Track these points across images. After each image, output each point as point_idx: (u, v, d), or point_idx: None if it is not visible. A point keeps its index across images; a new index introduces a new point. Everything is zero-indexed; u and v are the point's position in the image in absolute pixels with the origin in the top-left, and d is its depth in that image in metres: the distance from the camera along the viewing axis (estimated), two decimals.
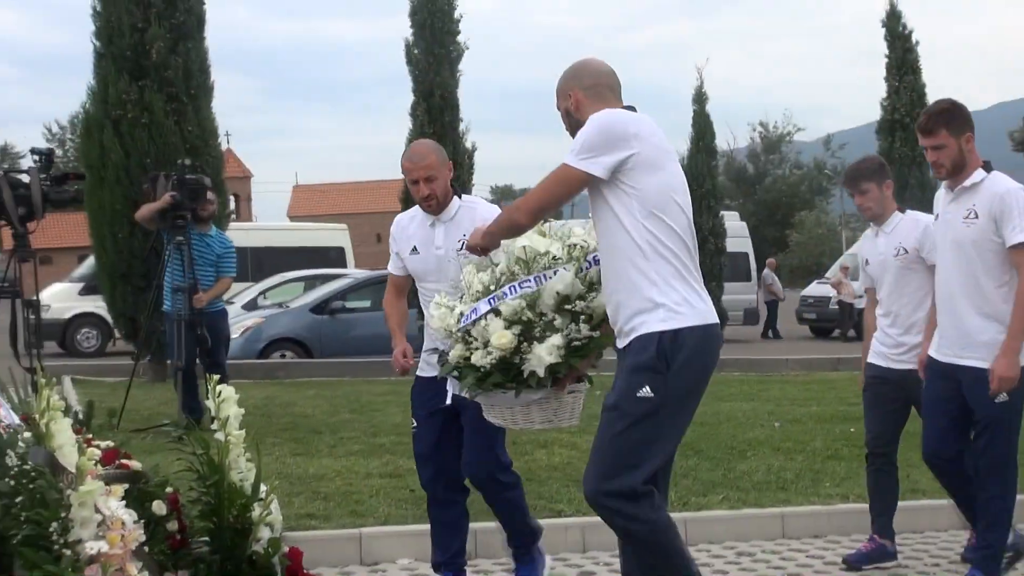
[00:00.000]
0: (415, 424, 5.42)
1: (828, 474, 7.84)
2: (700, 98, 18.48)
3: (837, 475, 7.78)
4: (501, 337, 4.23)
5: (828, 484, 7.54)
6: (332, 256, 26.10)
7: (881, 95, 17.79)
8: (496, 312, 4.30)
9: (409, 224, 5.37)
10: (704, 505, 6.97)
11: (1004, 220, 5.14)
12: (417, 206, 5.34)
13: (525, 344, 4.24)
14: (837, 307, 26.65)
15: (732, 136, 74.95)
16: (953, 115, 5.30)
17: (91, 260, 18.40)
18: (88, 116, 14.88)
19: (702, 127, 18.52)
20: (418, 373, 5.39)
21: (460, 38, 17.49)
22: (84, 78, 14.75)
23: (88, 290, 21.79)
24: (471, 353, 4.35)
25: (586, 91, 4.31)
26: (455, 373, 4.49)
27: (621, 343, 4.10)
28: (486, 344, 4.31)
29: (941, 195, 5.56)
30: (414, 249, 5.27)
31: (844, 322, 26.40)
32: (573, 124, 4.30)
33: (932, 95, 17.99)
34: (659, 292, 3.95)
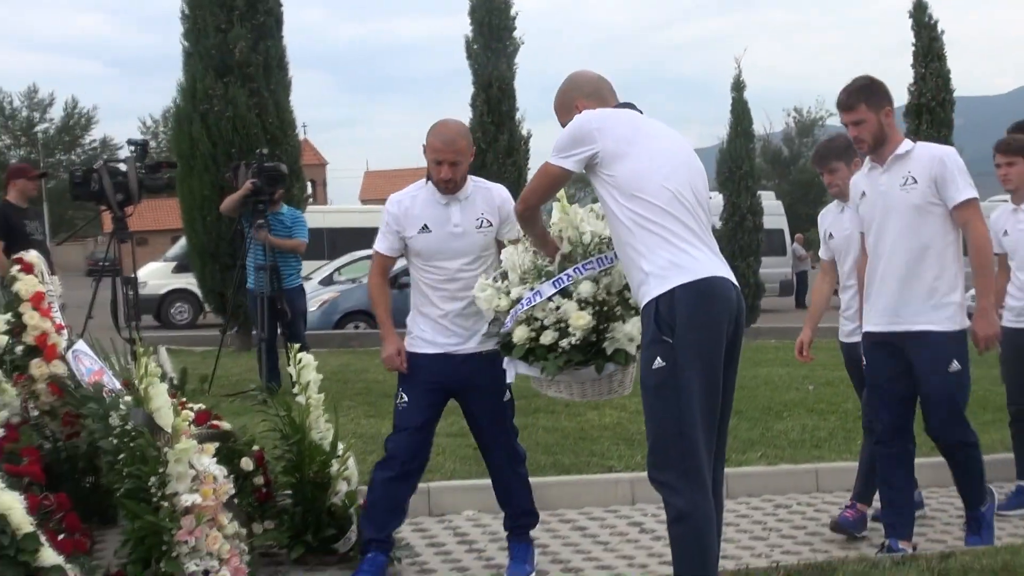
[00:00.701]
0: (406, 399, 4.97)
1: (859, 433, 7.73)
2: (738, 86, 18.20)
3: (841, 434, 7.74)
4: (580, 318, 4.20)
5: (859, 442, 7.45)
6: None
7: (908, 81, 17.52)
8: (564, 294, 4.25)
9: (412, 204, 5.00)
10: (744, 461, 6.95)
11: (946, 181, 4.90)
12: (411, 187, 5.11)
13: (604, 324, 4.25)
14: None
15: (768, 121, 74.25)
16: (872, 90, 5.02)
17: (183, 241, 18.59)
18: (178, 110, 15.00)
19: (740, 113, 18.26)
20: (414, 350, 5.01)
21: (516, 34, 17.39)
22: (174, 76, 14.85)
23: (180, 268, 22.01)
24: (537, 334, 4.28)
25: (588, 98, 4.35)
26: (520, 356, 4.37)
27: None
28: (558, 325, 4.25)
29: (863, 174, 5.27)
30: (424, 228, 4.93)
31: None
32: None
33: (956, 80, 17.83)
34: (647, 262, 3.91)
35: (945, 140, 17.35)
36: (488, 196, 5.03)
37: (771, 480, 6.58)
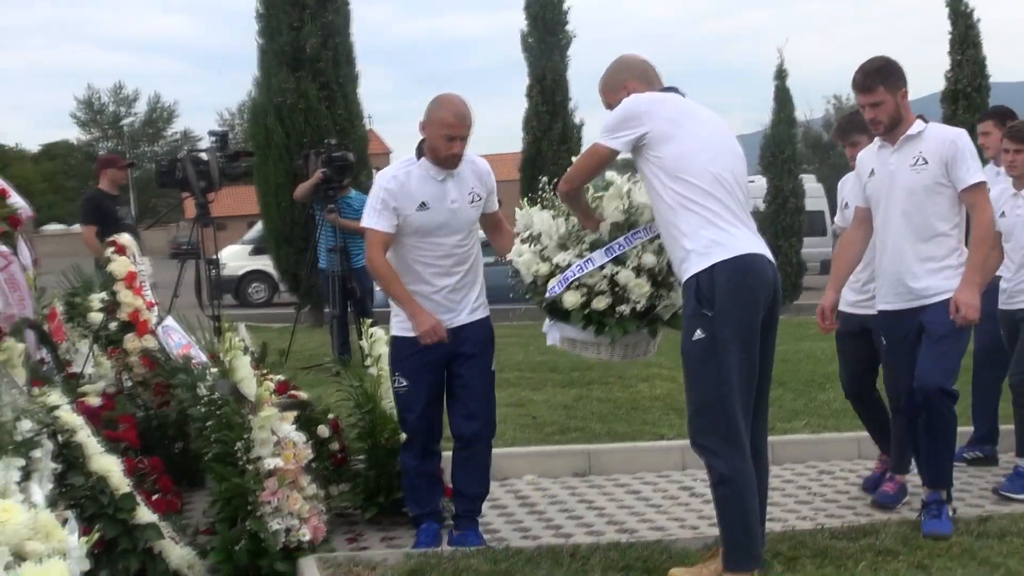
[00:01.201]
0: (405, 384, 4.75)
1: None
2: (781, 75, 18.04)
3: None
4: (641, 286, 4.20)
5: None
6: None
7: (944, 68, 17.22)
8: (618, 261, 4.21)
9: (408, 181, 4.66)
10: (789, 430, 6.91)
11: (956, 163, 4.69)
12: (402, 164, 4.78)
13: (660, 291, 4.27)
14: None
15: (809, 108, 73.40)
16: (889, 72, 4.75)
17: (259, 225, 18.78)
18: (255, 103, 15.16)
19: (783, 100, 18.09)
20: (402, 334, 4.76)
21: (568, 28, 17.35)
22: (248, 71, 15.14)
23: (257, 251, 22.21)
24: (587, 299, 4.23)
25: (637, 79, 4.30)
26: (577, 320, 4.30)
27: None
28: (614, 290, 4.22)
29: (872, 152, 4.99)
30: (422, 205, 4.62)
31: None
32: None
33: (991, 67, 17.47)
34: (689, 240, 3.92)
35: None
36: (476, 169, 4.84)
37: (815, 447, 6.54)
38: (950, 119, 17.39)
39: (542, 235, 4.43)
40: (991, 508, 5.32)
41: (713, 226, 3.92)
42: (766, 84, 18.45)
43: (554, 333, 4.39)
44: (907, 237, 4.79)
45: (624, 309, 4.22)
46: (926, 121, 4.86)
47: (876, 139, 4.97)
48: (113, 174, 9.74)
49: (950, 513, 4.75)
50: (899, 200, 4.79)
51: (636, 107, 4.08)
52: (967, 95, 17.13)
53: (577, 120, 17.62)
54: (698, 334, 3.86)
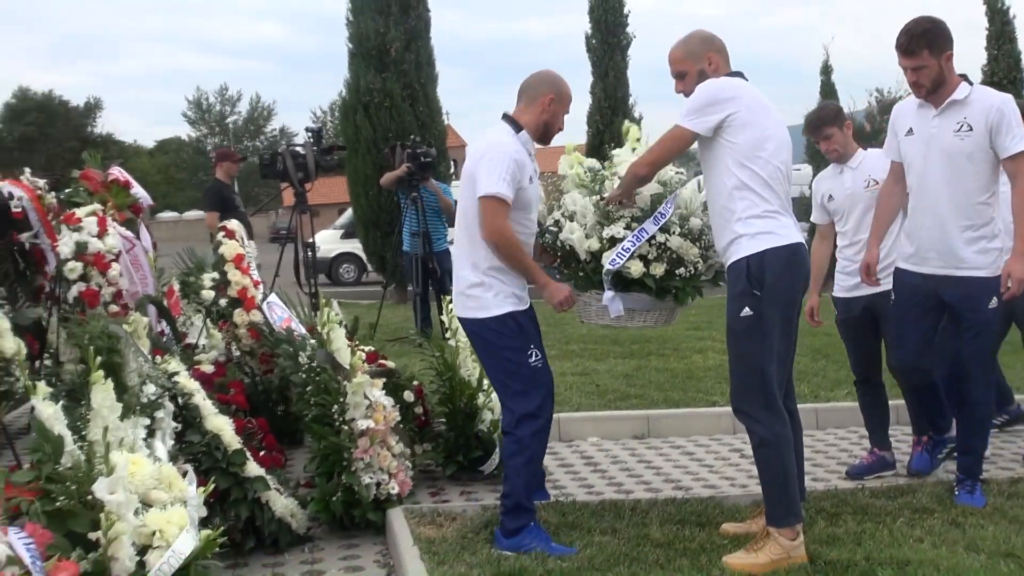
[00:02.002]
0: (539, 356, 4.12)
1: None
2: (826, 70, 17.64)
3: None
4: (691, 248, 4.13)
5: None
6: None
7: (981, 62, 16.79)
8: (664, 230, 4.09)
9: (520, 154, 4.11)
10: (832, 398, 6.82)
11: (1002, 130, 4.21)
12: (508, 135, 4.16)
13: (709, 252, 4.19)
14: None
15: (852, 100, 71.84)
16: (935, 35, 4.24)
17: (349, 212, 18.99)
18: (345, 102, 15.26)
19: (828, 94, 17.71)
20: (516, 308, 4.11)
21: (628, 29, 17.25)
22: (338, 73, 15.30)
23: (347, 235, 22.42)
24: (647, 267, 4.08)
25: (719, 53, 4.07)
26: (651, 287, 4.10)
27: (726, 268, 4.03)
28: (669, 256, 4.09)
29: (911, 108, 4.51)
30: (530, 179, 4.14)
31: None
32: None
33: None
34: (742, 225, 3.86)
35: None
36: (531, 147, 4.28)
37: (856, 414, 6.43)
38: None
39: (577, 214, 4.24)
40: (1021, 471, 5.22)
41: (767, 214, 3.87)
42: (813, 78, 18.16)
43: (616, 304, 4.10)
44: (946, 204, 4.35)
45: (683, 271, 4.12)
46: (971, 84, 4.36)
47: (913, 96, 4.49)
48: (228, 166, 10.00)
49: (981, 490, 4.52)
50: (940, 166, 4.35)
51: (721, 91, 3.89)
52: (1003, 87, 16.67)
53: (637, 114, 17.49)
54: (746, 311, 3.82)
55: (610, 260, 4.06)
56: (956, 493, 4.50)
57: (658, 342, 9.20)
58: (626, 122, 4.69)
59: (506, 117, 4.23)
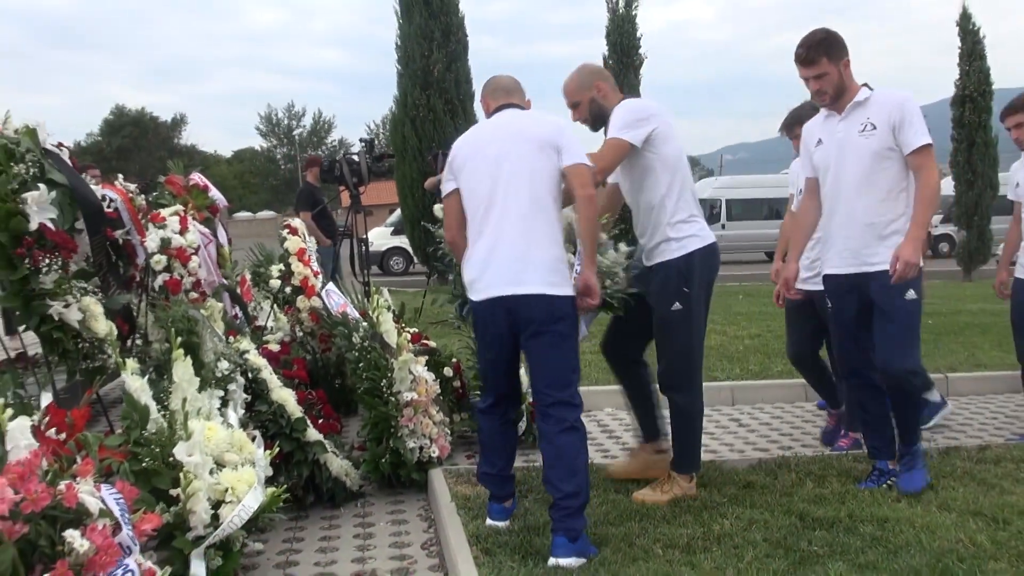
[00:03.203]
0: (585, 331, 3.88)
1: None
2: None
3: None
4: (619, 264, 4.09)
5: None
6: None
7: (954, 77, 16.51)
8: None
9: None
10: None
11: (904, 126, 3.80)
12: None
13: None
14: None
15: None
16: (831, 43, 3.88)
17: (398, 212, 19.02)
18: (394, 116, 15.28)
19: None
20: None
21: (641, 51, 17.07)
22: (388, 92, 15.17)
23: (396, 232, 22.50)
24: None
25: (606, 81, 4.00)
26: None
27: (648, 265, 3.97)
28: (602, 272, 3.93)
29: (818, 122, 4.11)
30: None
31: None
32: (595, 110, 3.99)
33: (996, 74, 16.67)
34: (672, 229, 3.87)
35: (985, 123, 16.42)
36: None
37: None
38: (959, 118, 16.72)
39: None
40: (988, 439, 5.12)
41: (693, 219, 3.91)
42: (805, 93, 17.92)
43: (585, 326, 3.90)
44: (856, 202, 3.93)
45: (610, 284, 4.02)
46: (871, 88, 3.99)
47: (821, 110, 4.12)
48: (316, 171, 10.05)
49: (921, 464, 4.06)
50: (849, 167, 3.94)
51: (645, 108, 3.84)
52: (973, 99, 16.44)
53: None
54: (677, 305, 3.85)
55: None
56: (899, 476, 4.05)
57: None
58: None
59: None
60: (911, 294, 3.85)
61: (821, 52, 3.88)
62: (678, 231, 3.88)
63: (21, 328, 3.30)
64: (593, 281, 3.46)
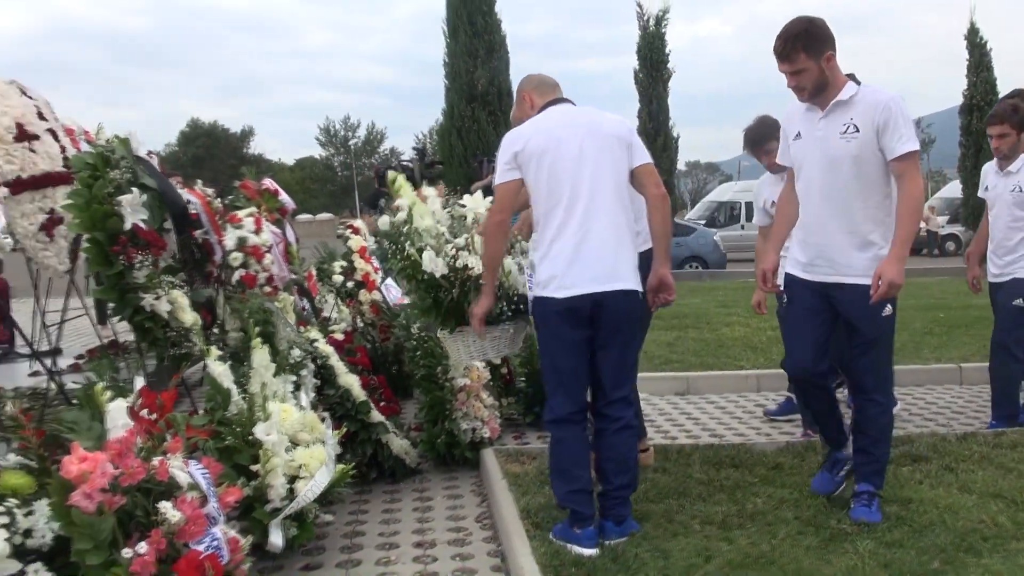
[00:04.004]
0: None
1: (925, 345, 7.26)
2: None
3: (932, 345, 7.19)
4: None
5: (926, 351, 6.99)
6: None
7: (962, 87, 16.17)
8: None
9: None
10: None
11: (889, 129, 3.18)
12: None
13: None
14: (926, 235, 24.38)
15: None
16: (811, 36, 3.20)
17: None
18: (441, 127, 15.33)
19: None
20: None
21: (669, 65, 16.96)
22: (434, 104, 15.30)
23: None
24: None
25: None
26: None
27: None
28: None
29: (799, 112, 3.42)
30: None
31: (932, 245, 24.20)
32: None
33: (1002, 83, 16.37)
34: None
35: None
36: None
37: None
38: (967, 126, 16.37)
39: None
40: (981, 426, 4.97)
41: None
42: None
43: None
44: (831, 208, 3.31)
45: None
46: (858, 83, 3.31)
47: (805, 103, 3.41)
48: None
49: (878, 505, 3.39)
50: (825, 169, 3.31)
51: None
52: (980, 107, 16.09)
53: (675, 134, 17.25)
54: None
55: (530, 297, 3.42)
56: (851, 506, 3.40)
57: (693, 317, 9.01)
58: (391, 173, 4.05)
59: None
60: (887, 310, 3.30)
61: (799, 47, 3.22)
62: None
63: (116, 319, 3.32)
64: (669, 278, 3.31)
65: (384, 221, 3.71)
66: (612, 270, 3.09)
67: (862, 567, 2.89)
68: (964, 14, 16.30)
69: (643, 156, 3.25)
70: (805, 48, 3.21)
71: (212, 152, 63.72)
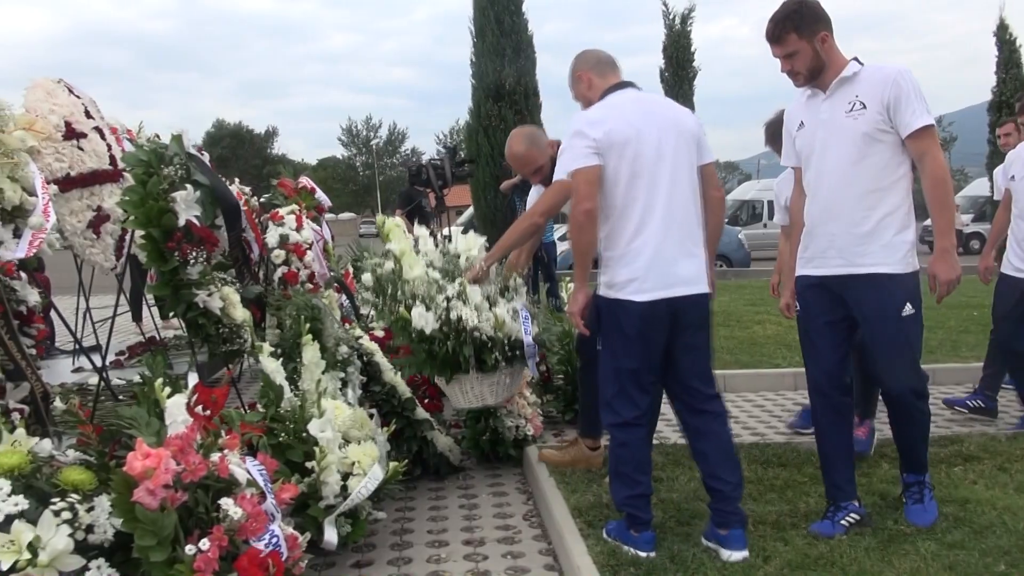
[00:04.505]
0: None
1: (963, 343, 7.13)
2: None
3: (969, 344, 7.05)
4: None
5: (964, 349, 6.86)
6: None
7: (991, 84, 15.94)
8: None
9: None
10: None
11: (901, 104, 2.92)
12: None
13: None
14: None
15: None
16: (802, 16, 3.00)
17: (467, 212, 19.00)
18: (468, 126, 15.25)
19: None
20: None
21: (695, 63, 16.83)
22: (455, 104, 15.34)
23: (465, 230, 22.41)
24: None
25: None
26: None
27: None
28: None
29: (800, 103, 3.20)
30: None
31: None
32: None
33: None
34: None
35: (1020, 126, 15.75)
36: None
37: None
38: (996, 123, 16.12)
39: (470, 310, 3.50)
40: None
41: None
42: None
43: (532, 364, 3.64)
44: (843, 193, 3.05)
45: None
46: (861, 63, 3.07)
47: (802, 89, 3.20)
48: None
49: (930, 496, 3.26)
50: (835, 152, 3.06)
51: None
52: (1009, 104, 15.83)
53: None
54: None
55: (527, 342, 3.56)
56: (905, 503, 3.25)
57: (723, 316, 8.90)
58: (379, 216, 3.97)
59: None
60: (908, 308, 3.02)
61: (789, 28, 3.02)
62: None
63: (170, 314, 3.30)
64: (713, 278, 3.14)
65: (367, 277, 3.63)
66: (693, 273, 2.99)
67: (925, 569, 2.80)
68: (986, 13, 16.21)
69: (710, 154, 3.12)
70: (796, 28, 3.02)
71: (237, 152, 64.17)
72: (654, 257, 2.92)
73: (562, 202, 3.22)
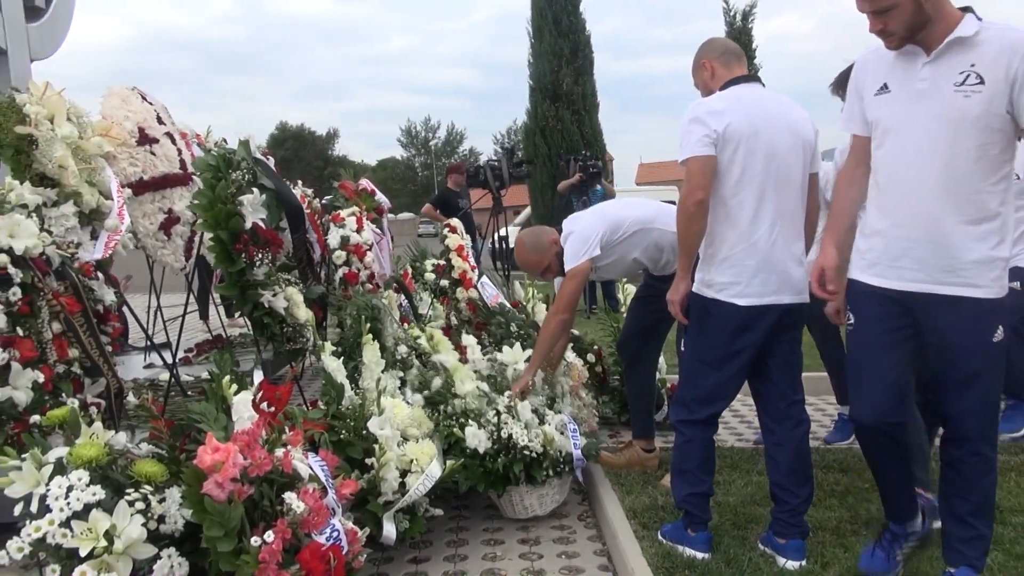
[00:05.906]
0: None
1: None
2: None
3: None
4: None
5: None
6: None
7: None
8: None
9: None
10: None
11: None
12: None
13: None
14: None
15: None
16: None
17: (525, 212, 19.04)
18: (526, 126, 15.33)
19: None
20: None
21: (756, 60, 16.59)
22: (512, 105, 15.63)
23: (524, 228, 22.53)
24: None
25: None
26: None
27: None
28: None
29: (884, 61, 2.47)
30: None
31: None
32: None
33: None
34: None
35: None
36: None
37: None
38: None
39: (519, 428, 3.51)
40: None
41: None
42: None
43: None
44: (931, 191, 2.37)
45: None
46: (979, 18, 2.32)
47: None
48: (456, 178, 9.98)
49: None
50: (928, 134, 2.36)
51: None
52: None
53: None
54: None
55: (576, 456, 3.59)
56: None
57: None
58: (429, 330, 4.21)
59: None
60: (999, 333, 2.42)
61: None
62: None
63: (238, 314, 3.41)
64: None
65: (416, 398, 3.61)
66: (800, 280, 2.90)
67: None
68: None
69: (818, 164, 3.01)
70: None
71: (299, 154, 65.52)
72: (761, 263, 2.83)
73: (579, 289, 3.52)
